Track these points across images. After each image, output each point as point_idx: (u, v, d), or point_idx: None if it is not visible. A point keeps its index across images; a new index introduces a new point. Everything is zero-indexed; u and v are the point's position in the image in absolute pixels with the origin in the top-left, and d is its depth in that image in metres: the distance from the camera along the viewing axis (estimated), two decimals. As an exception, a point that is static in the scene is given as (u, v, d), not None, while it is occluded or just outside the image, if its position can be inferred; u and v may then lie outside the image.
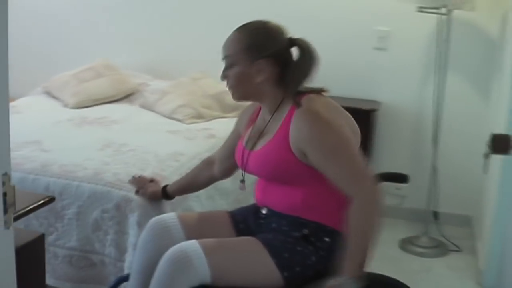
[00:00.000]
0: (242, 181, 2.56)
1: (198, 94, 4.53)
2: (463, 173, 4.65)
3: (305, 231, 2.38)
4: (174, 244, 2.34)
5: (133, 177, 3.09)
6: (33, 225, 3.11)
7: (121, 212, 3.03)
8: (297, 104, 2.36)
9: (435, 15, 4.28)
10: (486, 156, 2.39)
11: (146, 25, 5.12)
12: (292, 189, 2.38)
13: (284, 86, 2.41)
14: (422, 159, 4.68)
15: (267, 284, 2.33)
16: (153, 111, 4.48)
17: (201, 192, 3.13)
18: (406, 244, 4.39)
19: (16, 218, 1.45)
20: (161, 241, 2.46)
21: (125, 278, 2.69)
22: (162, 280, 2.27)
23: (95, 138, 3.72)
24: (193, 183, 2.93)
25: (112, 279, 2.96)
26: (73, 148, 3.52)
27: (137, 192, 3.02)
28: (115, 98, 4.67)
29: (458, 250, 4.35)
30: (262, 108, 2.53)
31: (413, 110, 4.72)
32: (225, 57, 2.45)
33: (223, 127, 4.09)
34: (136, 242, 2.69)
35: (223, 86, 4.53)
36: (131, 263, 2.73)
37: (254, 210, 2.57)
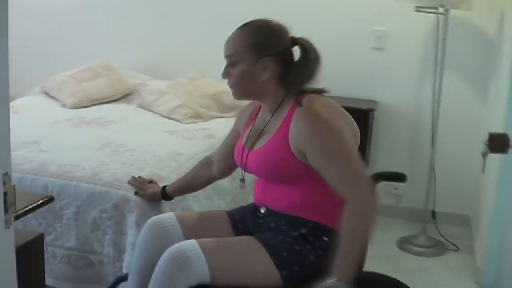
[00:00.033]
0: (242, 180, 2.57)
1: (196, 94, 4.54)
2: (461, 172, 4.66)
3: (304, 230, 2.38)
4: (172, 244, 2.34)
5: (133, 177, 3.09)
6: (32, 225, 3.11)
7: (120, 212, 3.03)
8: (298, 103, 2.36)
9: (432, 15, 4.29)
10: (484, 155, 2.40)
11: (144, 26, 5.12)
12: (291, 189, 2.38)
13: (285, 85, 2.42)
14: (420, 158, 4.68)
15: (265, 283, 2.33)
16: (151, 111, 4.49)
17: (200, 192, 3.14)
18: (404, 244, 4.40)
19: (15, 218, 1.45)
20: (160, 241, 2.46)
21: (124, 278, 2.69)
22: (161, 279, 2.27)
23: (93, 138, 3.72)
24: (192, 183, 2.93)
25: (110, 279, 2.96)
26: (71, 148, 3.52)
27: (136, 193, 3.02)
28: (113, 98, 4.67)
29: (456, 249, 4.36)
30: (262, 107, 2.53)
31: (411, 109, 4.72)
32: (228, 56, 2.43)
33: (221, 127, 4.10)
34: (135, 242, 2.69)
35: (221, 86, 4.60)
36: (130, 263, 2.73)
37: (252, 209, 2.58)
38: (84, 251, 3.13)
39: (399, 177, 2.90)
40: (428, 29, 4.49)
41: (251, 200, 2.70)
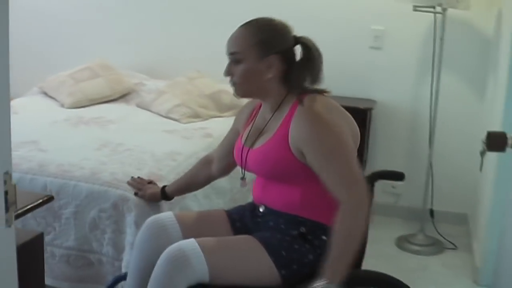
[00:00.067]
0: (243, 178, 2.57)
1: (194, 94, 4.54)
2: (459, 171, 4.67)
3: (303, 229, 2.38)
4: (171, 243, 2.34)
5: (132, 178, 3.09)
6: (31, 224, 3.11)
7: (119, 212, 3.04)
8: (300, 101, 2.37)
9: (430, 14, 4.29)
10: (482, 153, 2.40)
11: (142, 25, 5.12)
12: (290, 188, 2.39)
13: (287, 84, 2.42)
14: (418, 157, 4.69)
15: (264, 282, 2.34)
16: (149, 110, 4.49)
17: (199, 191, 3.14)
18: (402, 242, 4.41)
19: (15, 218, 1.45)
20: (158, 240, 2.46)
21: (123, 277, 2.69)
22: (161, 278, 2.27)
23: (91, 138, 3.72)
24: (192, 182, 2.93)
25: (109, 278, 2.96)
26: (70, 148, 3.53)
27: (136, 194, 3.02)
28: (112, 98, 4.68)
29: (454, 248, 4.37)
30: (262, 105, 2.53)
31: (408, 108, 4.73)
32: (232, 53, 2.42)
33: (220, 126, 4.11)
34: (134, 241, 2.69)
35: (219, 85, 4.61)
36: (129, 262, 2.73)
37: (251, 208, 2.58)
38: (83, 251, 3.14)
39: (397, 176, 2.90)
40: (426, 28, 4.50)
41: (249, 199, 2.71)
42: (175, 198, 3.00)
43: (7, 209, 1.32)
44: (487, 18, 4.41)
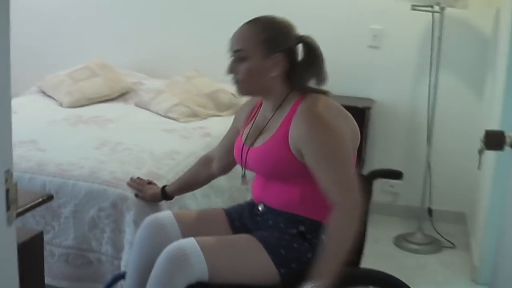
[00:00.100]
0: (243, 176, 2.57)
1: (192, 93, 4.54)
2: (457, 170, 4.68)
3: (302, 228, 2.39)
4: (170, 242, 2.35)
5: (131, 179, 3.08)
6: (30, 223, 3.10)
7: (118, 210, 3.04)
8: (303, 97, 2.38)
9: (428, 13, 4.30)
10: (480, 152, 2.41)
11: (140, 24, 5.12)
12: (290, 187, 2.40)
13: (290, 83, 2.43)
14: (416, 156, 4.70)
15: (263, 280, 2.34)
16: (148, 110, 4.49)
17: (197, 190, 3.13)
18: (400, 241, 4.41)
19: (15, 216, 1.46)
20: (157, 239, 2.47)
21: (122, 276, 2.70)
22: (160, 277, 2.28)
23: (90, 137, 3.72)
24: (192, 181, 2.93)
25: (108, 277, 2.96)
26: (69, 147, 3.52)
27: (136, 195, 3.02)
28: (110, 97, 4.67)
29: (453, 246, 4.37)
30: (264, 104, 2.53)
31: (407, 107, 4.74)
32: (237, 51, 2.41)
33: (218, 125, 4.12)
34: (133, 240, 2.70)
35: (218, 84, 4.61)
36: (128, 261, 2.74)
37: (250, 207, 2.59)
38: (82, 250, 3.14)
39: (395, 175, 2.91)
40: (424, 27, 4.51)
41: (248, 198, 2.72)
42: (175, 197, 3.00)
43: (8, 208, 1.32)
44: (485, 17, 4.42)
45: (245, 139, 2.52)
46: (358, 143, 2.49)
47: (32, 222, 3.12)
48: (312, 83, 2.45)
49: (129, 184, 3.05)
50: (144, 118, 4.31)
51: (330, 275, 2.19)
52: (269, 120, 2.45)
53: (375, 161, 4.71)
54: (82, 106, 4.48)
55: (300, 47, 2.44)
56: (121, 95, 4.72)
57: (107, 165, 3.27)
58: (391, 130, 4.80)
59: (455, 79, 4.59)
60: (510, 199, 3.35)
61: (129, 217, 3.00)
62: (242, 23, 2.46)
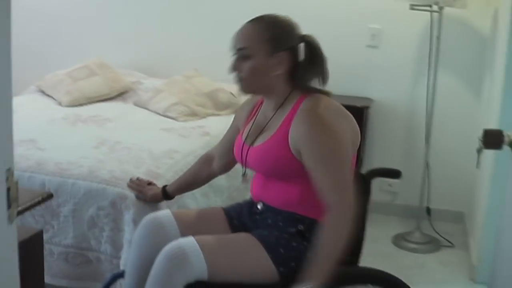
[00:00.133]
0: (244, 174, 2.58)
1: (191, 92, 4.55)
2: (456, 169, 4.68)
3: (301, 227, 2.40)
4: (169, 241, 2.35)
5: (131, 180, 3.08)
6: (29, 222, 3.11)
7: (117, 209, 3.04)
8: (304, 97, 2.38)
9: (427, 13, 4.31)
10: (479, 151, 2.42)
11: (139, 24, 5.12)
12: (290, 186, 2.40)
13: (292, 82, 2.43)
14: (414, 155, 4.70)
15: (263, 279, 2.35)
16: (147, 109, 4.49)
17: (196, 189, 3.14)
18: (399, 240, 4.42)
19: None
20: (156, 238, 2.47)
21: (121, 275, 2.70)
22: (160, 276, 2.28)
23: (89, 136, 3.73)
24: (193, 180, 2.92)
25: (108, 276, 2.96)
26: (68, 146, 3.52)
27: (137, 197, 3.01)
28: (109, 96, 4.68)
29: (451, 245, 4.38)
30: (265, 103, 2.53)
31: (405, 107, 4.74)
32: (240, 49, 2.41)
33: (217, 124, 4.12)
34: (132, 239, 2.70)
35: (217, 84, 4.61)
36: (127, 260, 2.74)
37: (249, 205, 2.59)
38: (81, 249, 3.14)
39: (394, 174, 2.91)
40: (423, 27, 4.51)
41: (247, 197, 2.72)
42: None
43: (9, 206, 1.33)
44: (484, 16, 4.42)
45: (246, 138, 2.52)
46: (359, 142, 2.49)
47: (32, 221, 3.12)
48: (313, 83, 2.45)
49: (129, 185, 3.05)
50: (143, 117, 4.32)
51: (323, 276, 2.19)
52: (270, 119, 2.46)
53: (374, 160, 4.71)
54: (81, 105, 4.49)
55: (301, 46, 2.44)
56: (120, 94, 4.73)
57: (106, 164, 3.27)
58: (389, 130, 4.81)
59: (453, 78, 4.60)
60: (509, 198, 3.35)
61: (128, 216, 3.00)
62: (241, 23, 2.47)
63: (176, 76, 4.75)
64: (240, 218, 2.59)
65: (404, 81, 4.70)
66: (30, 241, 2.28)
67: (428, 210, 4.56)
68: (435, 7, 4.21)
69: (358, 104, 4.48)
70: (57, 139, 3.67)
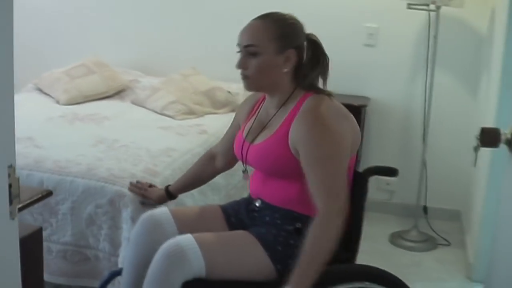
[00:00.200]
0: (244, 171, 2.58)
1: (189, 91, 4.55)
2: (452, 168, 4.69)
3: (298, 225, 2.40)
4: (166, 239, 2.35)
5: (131, 183, 3.06)
6: (28, 220, 3.11)
7: (115, 207, 3.05)
8: (307, 96, 2.39)
9: (424, 12, 4.32)
10: (476, 149, 2.42)
11: (137, 22, 5.12)
12: (289, 184, 2.41)
13: (296, 80, 2.44)
14: (411, 154, 4.72)
15: (260, 276, 2.36)
16: (144, 107, 4.50)
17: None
18: (396, 239, 4.43)
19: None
20: (154, 236, 2.47)
21: (118, 272, 2.70)
22: (157, 274, 2.29)
23: (87, 134, 3.73)
24: (197, 178, 2.92)
25: (106, 274, 2.97)
26: (66, 144, 3.53)
27: (142, 203, 2.99)
28: (107, 95, 4.68)
29: (448, 244, 4.39)
30: (267, 100, 2.53)
31: (402, 106, 4.75)
32: (249, 46, 2.40)
33: (215, 123, 4.13)
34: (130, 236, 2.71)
35: (214, 82, 4.62)
36: (125, 257, 2.75)
37: (246, 203, 2.60)
38: (79, 246, 3.15)
39: (391, 172, 2.92)
40: (420, 26, 4.53)
41: (244, 195, 2.72)
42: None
43: (11, 202, 1.34)
44: (481, 16, 4.43)
45: (246, 135, 2.53)
46: (359, 142, 2.50)
47: (30, 219, 3.12)
48: (316, 82, 2.46)
49: (130, 190, 3.04)
50: (140, 116, 4.32)
51: (306, 281, 2.19)
52: (272, 117, 2.46)
53: (371, 159, 4.71)
54: (79, 103, 4.49)
55: (306, 44, 2.45)
56: (118, 93, 4.73)
57: (104, 162, 3.28)
58: (386, 128, 4.81)
59: (450, 77, 4.61)
60: (505, 197, 3.36)
61: (126, 214, 3.01)
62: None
63: (173, 74, 4.75)
64: (237, 215, 2.59)
65: (401, 80, 4.71)
66: (30, 238, 2.29)
67: (425, 209, 4.57)
68: (432, 6, 4.21)
69: (355, 102, 4.48)
70: (55, 137, 3.67)
